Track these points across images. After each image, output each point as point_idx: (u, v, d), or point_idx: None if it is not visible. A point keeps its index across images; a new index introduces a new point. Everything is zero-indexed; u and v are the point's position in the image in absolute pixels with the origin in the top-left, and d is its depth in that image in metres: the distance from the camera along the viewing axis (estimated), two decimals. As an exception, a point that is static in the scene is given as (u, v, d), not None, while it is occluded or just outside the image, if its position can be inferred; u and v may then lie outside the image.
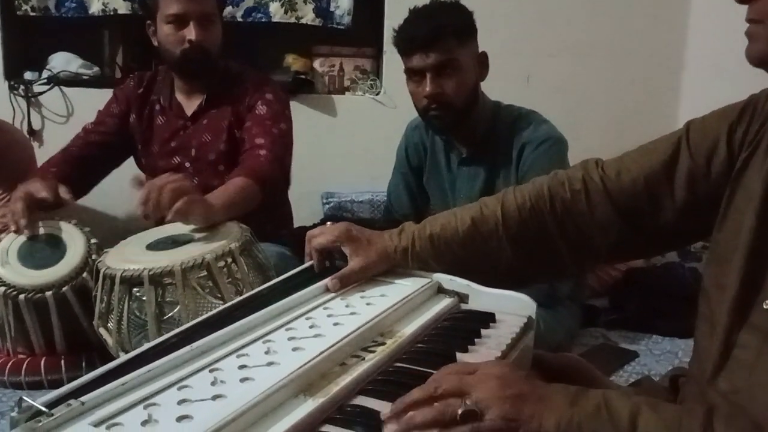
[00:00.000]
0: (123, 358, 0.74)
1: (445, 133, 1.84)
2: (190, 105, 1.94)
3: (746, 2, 0.72)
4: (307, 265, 1.05)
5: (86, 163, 1.90)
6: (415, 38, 1.67)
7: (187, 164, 1.93)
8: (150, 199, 1.36)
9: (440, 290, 0.98)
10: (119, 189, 1.78)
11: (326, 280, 0.96)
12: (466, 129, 1.80)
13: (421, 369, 0.75)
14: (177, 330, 0.82)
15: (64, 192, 1.66)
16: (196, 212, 1.43)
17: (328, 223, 1.07)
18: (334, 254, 1.03)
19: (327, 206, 2.80)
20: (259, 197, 1.67)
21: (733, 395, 0.73)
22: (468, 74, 1.71)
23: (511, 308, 0.92)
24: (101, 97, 2.05)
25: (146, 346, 0.77)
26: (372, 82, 2.95)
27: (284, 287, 0.97)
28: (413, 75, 1.72)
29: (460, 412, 0.61)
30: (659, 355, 1.81)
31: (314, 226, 2.32)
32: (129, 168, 2.04)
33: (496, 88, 1.86)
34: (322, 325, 0.83)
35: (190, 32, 1.78)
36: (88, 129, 1.96)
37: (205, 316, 0.88)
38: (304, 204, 2.58)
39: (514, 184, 1.03)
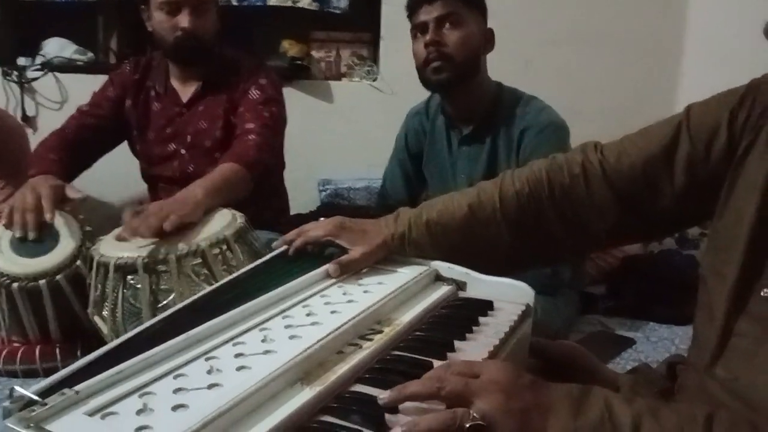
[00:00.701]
0: (115, 342, 0.73)
1: (444, 91, 1.83)
2: (186, 91, 1.92)
3: None
4: (280, 250, 1.04)
5: (81, 147, 1.87)
6: None
7: (183, 151, 1.92)
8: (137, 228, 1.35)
9: (438, 278, 0.98)
10: (113, 176, 1.76)
11: (325, 267, 0.95)
12: (466, 96, 1.80)
13: (419, 357, 0.74)
14: (171, 310, 0.82)
15: (73, 192, 1.62)
16: (187, 219, 1.41)
17: (321, 219, 1.06)
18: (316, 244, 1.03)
19: (323, 193, 2.79)
20: (248, 182, 1.66)
21: (730, 383, 0.73)
22: (471, 35, 1.74)
23: (509, 296, 0.91)
24: (95, 83, 2.03)
25: (139, 328, 0.77)
26: (369, 68, 2.93)
27: (264, 272, 0.97)
28: (418, 33, 1.76)
29: (467, 426, 0.60)
30: (656, 342, 1.81)
31: (311, 213, 2.31)
32: (123, 155, 2.03)
33: (495, 73, 1.85)
34: (320, 312, 0.83)
35: (183, 20, 1.76)
36: (84, 111, 1.94)
37: (197, 296, 0.88)
38: (301, 191, 2.57)
39: (513, 167, 1.02)
